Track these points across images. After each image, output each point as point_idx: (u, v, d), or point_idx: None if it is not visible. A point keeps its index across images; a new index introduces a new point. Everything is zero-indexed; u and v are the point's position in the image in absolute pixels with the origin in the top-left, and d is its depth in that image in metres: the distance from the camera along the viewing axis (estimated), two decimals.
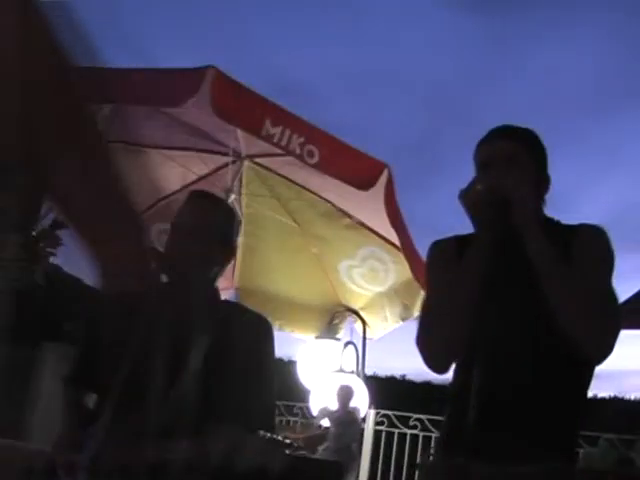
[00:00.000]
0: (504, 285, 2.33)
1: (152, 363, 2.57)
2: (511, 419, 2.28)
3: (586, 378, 2.39)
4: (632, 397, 16.70)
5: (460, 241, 2.50)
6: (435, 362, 2.44)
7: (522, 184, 2.35)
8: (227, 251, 2.91)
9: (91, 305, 3.11)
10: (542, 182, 2.49)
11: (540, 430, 2.26)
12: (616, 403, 16.00)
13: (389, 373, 16.17)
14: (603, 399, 16.37)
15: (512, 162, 2.39)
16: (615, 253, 2.35)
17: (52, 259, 6.30)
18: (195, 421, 2.39)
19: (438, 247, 2.58)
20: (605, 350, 2.26)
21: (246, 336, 2.75)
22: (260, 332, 2.85)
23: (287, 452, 2.27)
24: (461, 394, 2.43)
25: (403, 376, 16.49)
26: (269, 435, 2.30)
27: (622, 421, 10.00)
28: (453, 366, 2.48)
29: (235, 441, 2.26)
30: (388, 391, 12.28)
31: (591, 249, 2.36)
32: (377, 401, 9.60)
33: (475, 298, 2.30)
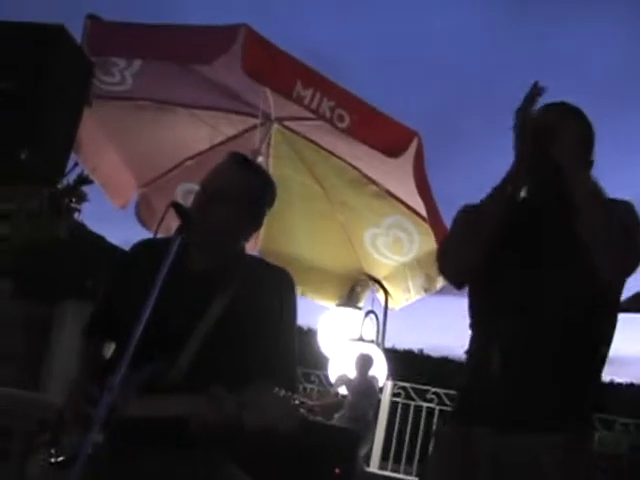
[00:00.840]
0: (537, 250, 2.34)
1: (171, 315, 2.56)
2: (526, 391, 2.27)
3: (602, 358, 2.39)
4: None
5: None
6: (454, 279, 2.51)
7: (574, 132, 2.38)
8: (254, 222, 2.86)
9: (112, 257, 3.11)
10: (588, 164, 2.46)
11: (554, 403, 2.26)
12: (632, 389, 16.01)
13: (407, 347, 16.22)
14: (620, 385, 16.36)
15: (564, 131, 2.36)
16: None
17: (77, 215, 6.31)
18: (202, 378, 2.38)
19: (468, 210, 2.53)
20: (625, 271, 2.30)
21: (268, 288, 2.71)
22: (282, 285, 2.81)
23: (298, 412, 2.24)
24: (477, 366, 2.44)
25: (421, 350, 16.54)
26: (283, 393, 2.26)
27: (638, 407, 10.00)
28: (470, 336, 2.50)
29: (247, 398, 2.23)
30: (405, 364, 12.31)
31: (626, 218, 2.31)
32: (395, 373, 9.62)
33: (498, 223, 2.32)
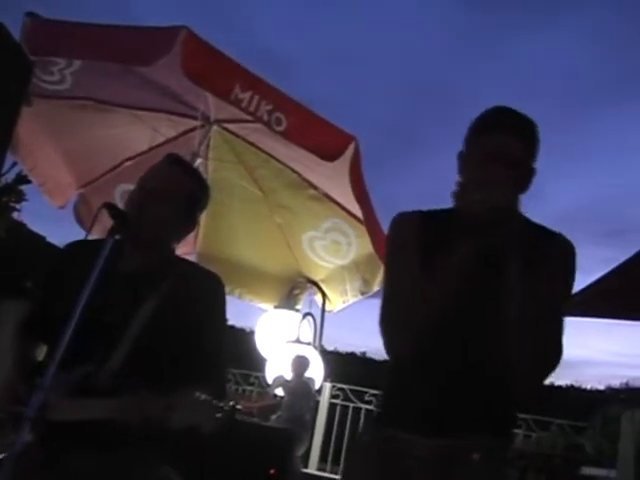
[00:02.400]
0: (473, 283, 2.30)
1: (103, 315, 2.58)
2: (444, 395, 2.29)
3: None
4: (589, 387, 16.93)
5: (424, 216, 2.49)
6: (397, 349, 2.43)
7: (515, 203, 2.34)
8: (189, 222, 2.90)
9: (49, 258, 3.10)
10: (530, 178, 2.43)
11: (472, 406, 2.28)
12: (573, 392, 16.21)
13: (350, 349, 16.29)
14: (560, 387, 16.57)
15: (517, 166, 2.33)
16: None
17: (17, 215, 6.25)
18: (132, 380, 2.40)
19: (403, 220, 2.53)
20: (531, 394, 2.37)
21: (199, 292, 2.74)
22: (212, 289, 2.84)
23: (220, 413, 2.27)
24: (400, 371, 2.47)
25: (363, 353, 16.62)
26: (204, 396, 2.30)
27: (577, 409, 10.16)
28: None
29: (171, 399, 2.26)
30: (347, 366, 12.36)
31: (562, 268, 2.36)
32: (336, 375, 9.68)
33: (449, 298, 2.28)
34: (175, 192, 2.78)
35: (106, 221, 2.54)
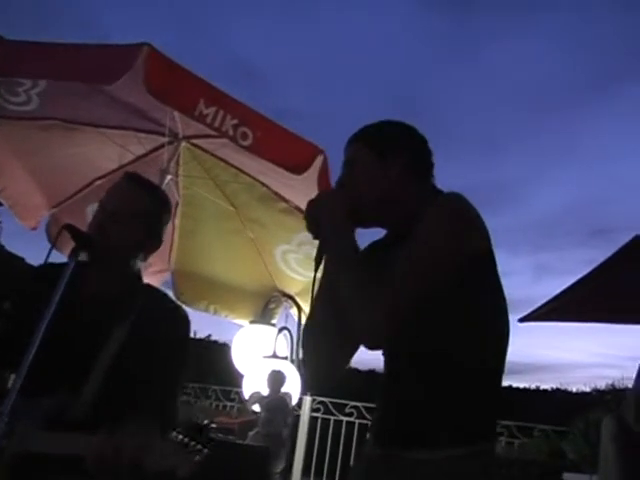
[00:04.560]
0: None
1: (64, 346, 2.56)
2: (409, 409, 2.30)
3: (489, 374, 2.34)
4: (574, 389, 16.99)
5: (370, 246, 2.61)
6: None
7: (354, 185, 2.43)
8: (152, 239, 2.89)
9: (19, 283, 3.08)
10: (393, 165, 2.45)
11: (439, 418, 2.26)
12: (558, 395, 16.27)
13: None
14: (545, 391, 16.64)
15: (351, 165, 2.48)
16: (469, 220, 2.26)
17: None
18: (106, 413, 2.38)
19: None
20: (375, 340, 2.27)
21: (160, 326, 2.73)
22: (173, 323, 2.84)
23: (196, 457, 2.25)
24: (384, 382, 2.48)
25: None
26: (180, 437, 2.28)
27: (563, 412, 10.18)
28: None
29: (147, 441, 2.24)
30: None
31: (419, 229, 2.24)
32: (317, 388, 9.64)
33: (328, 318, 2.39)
34: (133, 210, 2.78)
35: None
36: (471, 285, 2.23)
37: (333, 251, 2.37)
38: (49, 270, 2.73)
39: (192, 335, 3.05)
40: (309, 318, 2.53)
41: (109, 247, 2.72)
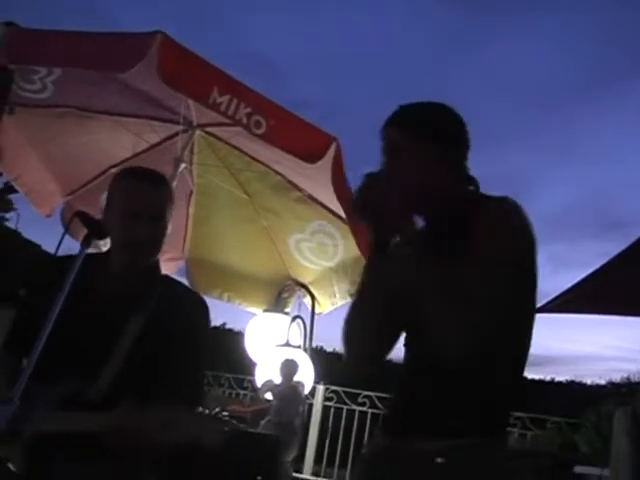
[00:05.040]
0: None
1: (82, 334, 2.58)
2: (429, 398, 2.28)
3: (512, 363, 2.34)
4: (589, 382, 16.93)
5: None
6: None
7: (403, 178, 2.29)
8: (166, 229, 2.90)
9: (35, 269, 3.10)
10: (444, 155, 2.36)
11: (460, 407, 2.25)
12: (573, 387, 16.21)
13: None
14: (560, 383, 16.59)
15: (392, 150, 2.35)
16: (528, 236, 2.25)
17: (10, 223, 6.28)
18: (123, 397, 2.39)
19: None
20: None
21: (180, 316, 2.75)
22: (194, 312, 2.86)
23: (223, 427, 2.27)
24: (402, 375, 2.46)
25: None
26: (205, 410, 2.30)
27: (578, 405, 10.13)
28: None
29: (170, 415, 2.26)
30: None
31: (486, 248, 2.18)
32: (334, 377, 9.66)
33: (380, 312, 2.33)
34: (159, 208, 2.79)
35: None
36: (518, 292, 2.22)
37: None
38: (69, 261, 2.76)
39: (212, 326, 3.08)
40: (358, 295, 2.45)
41: (138, 247, 2.74)
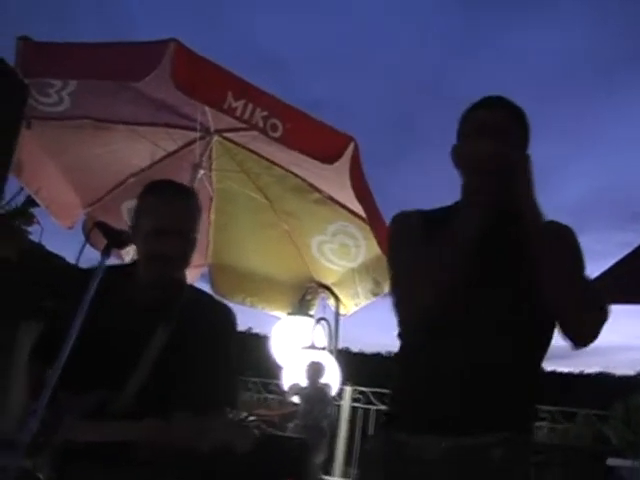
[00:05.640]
0: (481, 264, 2.28)
1: (109, 345, 2.58)
2: (459, 393, 2.25)
3: (541, 357, 2.39)
4: (618, 373, 16.81)
5: (424, 215, 2.49)
6: (412, 328, 2.41)
7: (526, 159, 2.33)
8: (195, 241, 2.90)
9: (61, 281, 3.11)
10: (523, 147, 2.46)
11: (487, 404, 2.24)
12: (602, 379, 16.10)
13: (376, 349, 16.25)
14: (589, 375, 16.50)
15: (508, 134, 2.35)
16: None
17: (33, 237, 6.30)
18: (150, 407, 2.41)
19: (404, 219, 2.55)
20: (591, 341, 2.27)
21: (206, 325, 2.76)
22: (220, 320, 2.87)
23: (253, 433, 2.27)
24: (411, 367, 2.43)
25: (389, 352, 16.62)
26: (236, 416, 2.31)
27: (607, 397, 10.08)
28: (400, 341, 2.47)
29: (201, 422, 2.26)
30: (375, 367, 12.30)
31: (570, 246, 2.38)
32: (361, 377, 9.65)
33: (459, 270, 2.25)
34: (190, 223, 2.80)
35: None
36: None
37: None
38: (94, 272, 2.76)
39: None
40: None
41: (168, 262, 2.76)
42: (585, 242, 2.41)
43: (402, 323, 2.40)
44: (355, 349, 17.12)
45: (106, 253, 2.47)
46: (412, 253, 2.38)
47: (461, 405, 2.24)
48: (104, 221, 2.62)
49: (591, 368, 16.60)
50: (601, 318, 2.26)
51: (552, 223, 2.38)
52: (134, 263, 2.84)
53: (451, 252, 2.26)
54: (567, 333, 2.24)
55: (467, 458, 2.20)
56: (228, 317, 2.91)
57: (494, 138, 2.30)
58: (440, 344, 2.32)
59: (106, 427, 2.44)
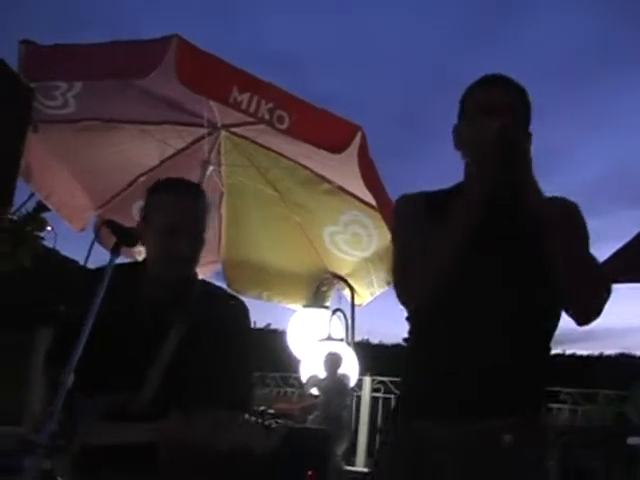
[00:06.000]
0: (487, 244, 2.26)
1: (124, 347, 2.58)
2: (475, 378, 2.22)
3: (550, 339, 2.37)
4: (639, 353, 16.71)
5: (429, 197, 2.46)
6: (413, 306, 2.38)
7: (527, 135, 2.32)
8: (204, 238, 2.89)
9: (72, 283, 3.11)
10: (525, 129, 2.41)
11: (504, 387, 2.22)
12: (623, 360, 16.03)
13: (395, 341, 16.22)
14: (609, 357, 16.42)
15: (514, 112, 2.31)
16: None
17: (48, 242, 6.30)
18: (167, 407, 2.39)
19: (409, 199, 2.51)
20: (595, 317, 2.25)
21: (220, 320, 2.74)
22: (234, 315, 2.84)
23: (273, 432, 2.26)
24: (422, 354, 2.40)
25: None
26: (252, 417, 2.29)
27: (627, 378, 10.04)
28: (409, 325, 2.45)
29: (218, 422, 2.25)
30: (395, 358, 12.29)
31: (575, 221, 2.35)
32: (380, 368, 9.64)
33: (463, 249, 2.22)
34: (199, 222, 2.79)
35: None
36: None
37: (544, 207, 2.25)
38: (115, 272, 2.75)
39: (252, 325, 3.07)
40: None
41: (179, 262, 2.74)
42: (599, 226, 2.40)
43: (404, 305, 2.38)
44: (375, 340, 17.08)
45: (116, 251, 2.47)
46: (413, 234, 2.36)
47: (478, 389, 2.21)
48: (112, 219, 2.62)
49: (610, 350, 16.49)
50: (605, 295, 2.25)
51: (557, 199, 2.37)
52: (144, 261, 2.82)
53: (454, 226, 2.24)
54: (572, 309, 2.24)
55: (479, 443, 2.19)
56: (241, 312, 2.89)
57: (499, 116, 2.26)
58: (447, 328, 2.31)
59: (123, 429, 2.43)
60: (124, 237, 2.52)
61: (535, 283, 2.24)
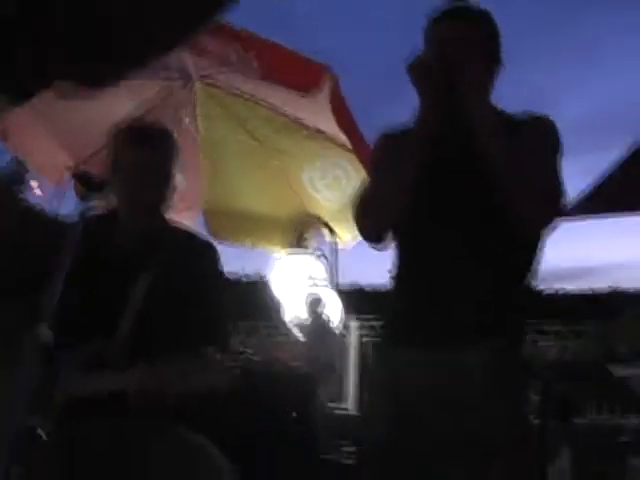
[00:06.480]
0: (446, 175, 2.29)
1: (97, 294, 2.62)
2: (452, 306, 2.26)
3: (527, 269, 2.37)
4: (629, 290, 16.73)
5: (403, 133, 2.42)
6: (369, 238, 2.42)
7: (474, 60, 2.27)
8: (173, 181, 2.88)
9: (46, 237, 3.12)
10: (493, 67, 2.40)
11: (480, 315, 2.23)
12: (611, 296, 16.02)
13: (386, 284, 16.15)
14: (599, 293, 16.46)
15: (465, 42, 2.30)
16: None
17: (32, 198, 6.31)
18: (141, 351, 2.45)
19: (382, 138, 2.54)
20: (541, 229, 2.29)
21: (190, 263, 2.78)
22: (205, 254, 2.88)
23: (233, 369, 2.31)
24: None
25: None
26: (217, 354, 2.34)
27: (616, 314, 10.06)
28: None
29: (184, 365, 2.31)
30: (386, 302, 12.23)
31: (541, 133, 2.31)
32: (366, 312, 9.65)
33: (412, 180, 2.24)
34: (158, 170, 2.77)
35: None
36: None
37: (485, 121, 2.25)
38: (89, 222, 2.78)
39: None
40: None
41: (148, 206, 2.79)
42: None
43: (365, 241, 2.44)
44: (364, 283, 16.99)
45: (85, 199, 2.47)
46: (377, 173, 2.43)
47: (454, 318, 2.25)
48: (84, 170, 2.62)
49: (599, 285, 16.53)
50: (553, 210, 2.27)
51: (525, 114, 2.37)
52: (115, 210, 2.82)
53: (404, 162, 2.27)
54: (518, 217, 2.20)
55: (454, 369, 2.22)
56: (211, 252, 2.91)
57: (450, 48, 2.28)
58: (419, 261, 2.38)
59: (98, 379, 2.47)
60: (92, 185, 2.52)
61: (491, 216, 2.24)
